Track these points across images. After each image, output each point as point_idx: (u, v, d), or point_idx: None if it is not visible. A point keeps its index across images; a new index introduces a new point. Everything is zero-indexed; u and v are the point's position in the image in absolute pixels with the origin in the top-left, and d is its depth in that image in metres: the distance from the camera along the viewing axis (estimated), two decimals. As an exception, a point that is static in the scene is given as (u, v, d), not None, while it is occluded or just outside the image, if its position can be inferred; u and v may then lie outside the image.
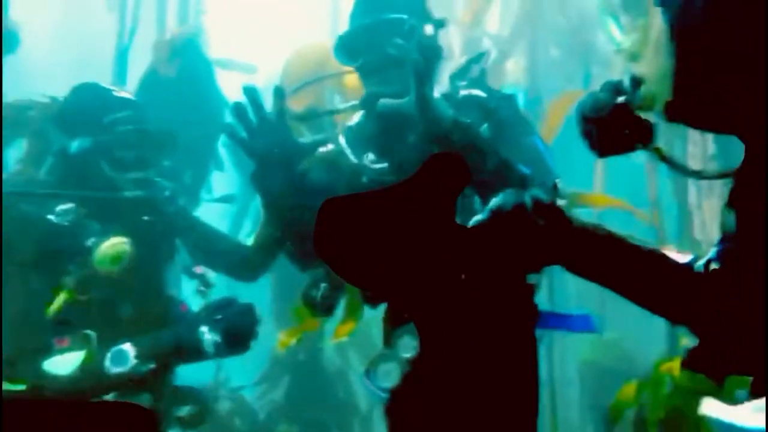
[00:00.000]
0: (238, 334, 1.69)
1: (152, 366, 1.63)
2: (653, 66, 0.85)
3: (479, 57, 1.86)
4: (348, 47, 1.67)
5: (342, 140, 1.74)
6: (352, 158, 1.70)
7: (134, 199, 1.77)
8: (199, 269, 1.95)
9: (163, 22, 3.31)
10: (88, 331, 1.64)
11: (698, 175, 1.18)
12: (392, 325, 1.72)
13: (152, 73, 2.63)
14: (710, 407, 0.64)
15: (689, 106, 0.85)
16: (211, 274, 1.97)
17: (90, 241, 1.66)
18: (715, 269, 0.89)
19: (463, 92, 1.66)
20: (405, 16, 1.59)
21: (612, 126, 0.95)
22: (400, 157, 1.65)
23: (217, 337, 1.65)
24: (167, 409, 1.79)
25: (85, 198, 1.73)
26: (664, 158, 0.97)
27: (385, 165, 1.67)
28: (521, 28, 3.73)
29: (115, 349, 1.61)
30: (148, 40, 2.88)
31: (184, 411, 1.83)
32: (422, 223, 0.73)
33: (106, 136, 1.75)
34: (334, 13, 4.35)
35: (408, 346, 1.53)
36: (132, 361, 1.60)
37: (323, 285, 1.74)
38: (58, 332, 1.62)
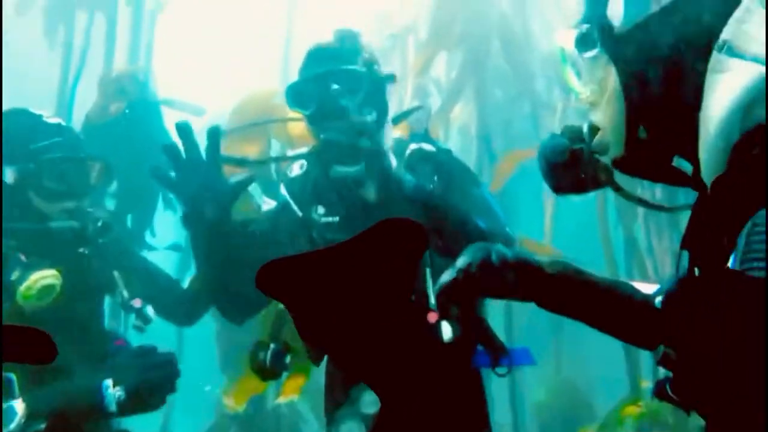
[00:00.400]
0: (148, 390, 1.52)
1: (42, 426, 1.43)
2: (608, 117, 0.90)
3: (411, 110, 1.89)
4: (300, 94, 1.64)
5: (283, 191, 1.69)
6: (298, 211, 1.66)
7: (63, 229, 1.66)
8: (137, 302, 1.79)
9: (110, 62, 3.23)
10: (9, 375, 1.45)
11: (657, 207, 1.23)
12: (334, 399, 1.66)
13: (97, 111, 2.54)
14: None
15: (638, 162, 0.90)
16: (150, 309, 1.82)
17: (14, 275, 1.53)
18: (670, 307, 0.91)
19: (413, 146, 1.67)
20: (358, 68, 1.59)
21: (569, 168, 0.98)
22: (350, 210, 1.63)
23: (121, 393, 1.49)
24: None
25: (13, 229, 1.61)
26: (619, 189, 1.00)
27: (335, 218, 1.63)
28: (467, 75, 3.85)
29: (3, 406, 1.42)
30: (94, 80, 2.80)
31: None
32: (375, 285, 0.69)
33: (33, 164, 1.64)
34: (285, 61, 4.39)
35: (369, 402, 1.48)
36: (20, 420, 1.41)
37: (272, 346, 1.65)
38: None
